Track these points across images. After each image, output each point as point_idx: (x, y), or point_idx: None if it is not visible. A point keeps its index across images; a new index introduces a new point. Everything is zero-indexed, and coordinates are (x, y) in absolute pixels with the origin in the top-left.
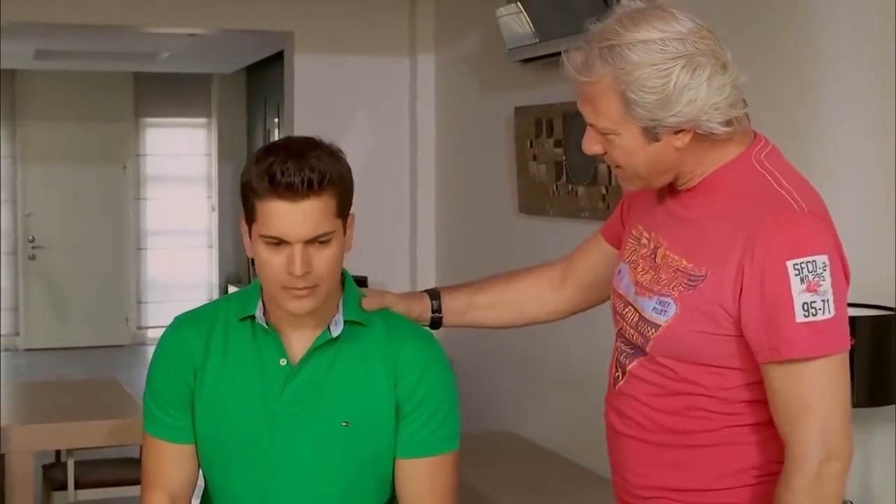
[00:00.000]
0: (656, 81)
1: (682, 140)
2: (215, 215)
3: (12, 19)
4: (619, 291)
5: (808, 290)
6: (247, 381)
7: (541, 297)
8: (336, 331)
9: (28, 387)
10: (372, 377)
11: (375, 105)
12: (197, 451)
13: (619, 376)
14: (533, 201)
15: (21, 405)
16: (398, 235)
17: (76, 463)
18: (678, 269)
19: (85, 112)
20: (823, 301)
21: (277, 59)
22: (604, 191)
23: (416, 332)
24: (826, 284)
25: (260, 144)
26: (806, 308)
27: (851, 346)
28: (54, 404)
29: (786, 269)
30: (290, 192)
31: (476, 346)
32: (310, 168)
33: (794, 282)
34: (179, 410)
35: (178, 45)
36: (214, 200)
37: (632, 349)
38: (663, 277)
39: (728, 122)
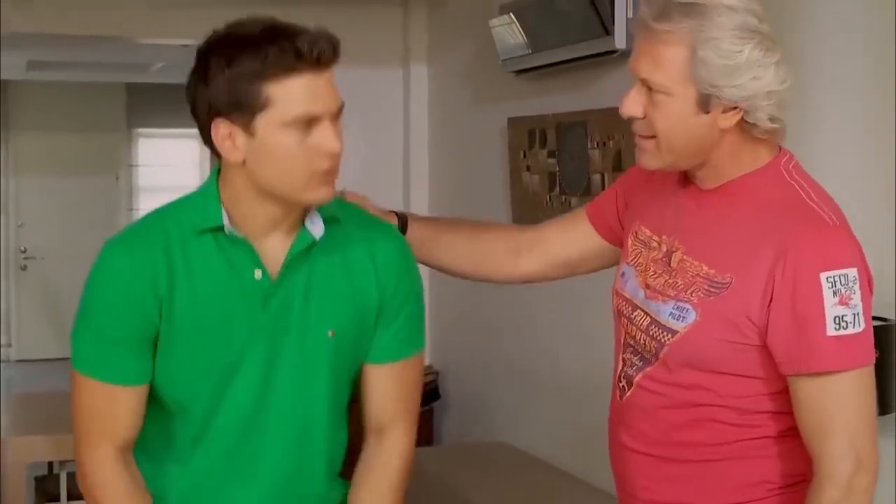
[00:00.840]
0: (731, 47)
1: (730, 121)
2: None
3: (4, 30)
4: (625, 295)
5: (841, 303)
6: (223, 303)
7: (502, 260)
8: (317, 231)
9: (23, 398)
10: (356, 281)
11: (369, 115)
12: (151, 392)
13: (624, 387)
14: (526, 212)
15: (16, 416)
16: None
17: (69, 475)
18: (698, 274)
19: (77, 122)
20: (854, 315)
21: None
22: None
23: (387, 228)
24: (857, 298)
25: None
26: (837, 321)
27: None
28: (49, 415)
29: (819, 281)
30: (319, 63)
31: (471, 356)
32: (327, 37)
33: (827, 294)
34: (139, 350)
35: (170, 56)
36: None
37: (640, 360)
38: (680, 282)
39: (773, 120)
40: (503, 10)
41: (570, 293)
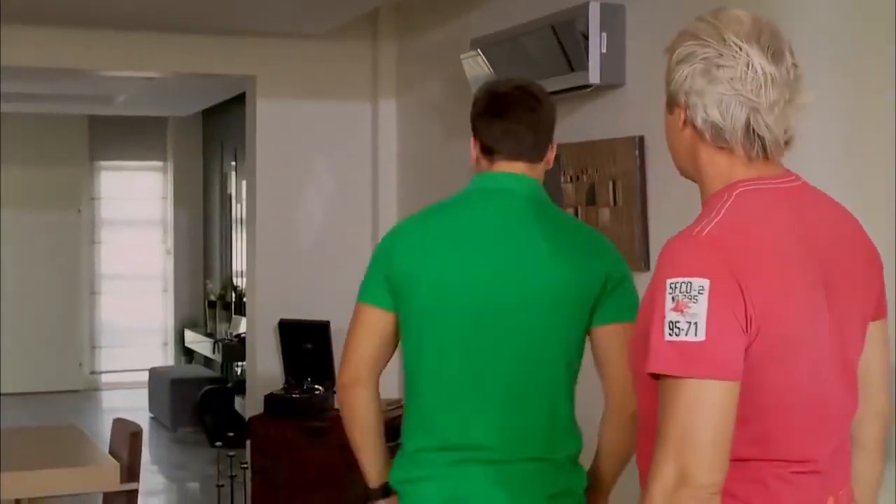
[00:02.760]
0: (676, 51)
1: (679, 118)
2: (171, 259)
3: None
4: None
5: (675, 309)
6: None
7: None
8: None
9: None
10: None
11: (337, 149)
12: None
13: None
14: None
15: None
16: (359, 279)
17: None
18: None
19: (39, 155)
20: (689, 323)
21: (234, 102)
22: None
23: None
24: (696, 308)
25: (216, 188)
26: (671, 327)
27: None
28: (14, 452)
29: (665, 286)
30: None
31: None
32: None
33: (668, 300)
34: None
35: (134, 88)
36: (170, 244)
37: None
38: None
39: (716, 133)
40: (474, 45)
41: None
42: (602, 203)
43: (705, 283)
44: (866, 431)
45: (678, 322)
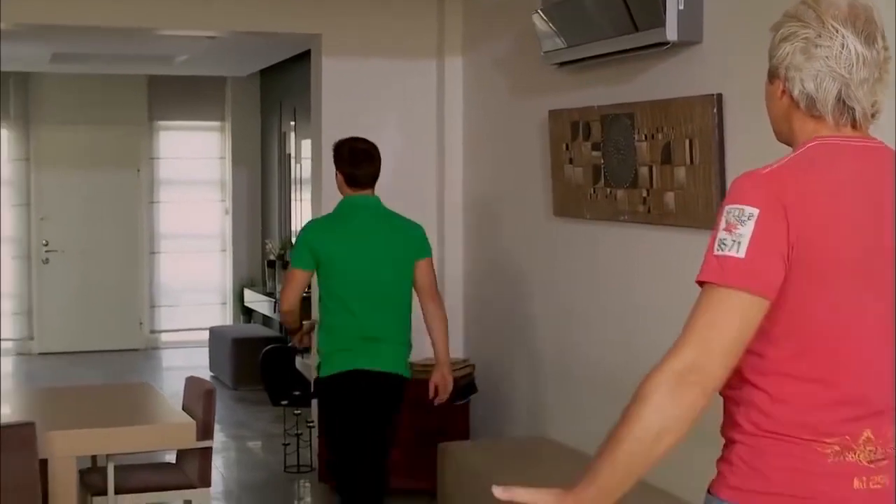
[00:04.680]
0: (780, 31)
1: (778, 88)
2: (229, 219)
3: (30, 22)
4: None
5: (726, 229)
6: None
7: None
8: None
9: (60, 392)
10: None
11: (403, 108)
12: None
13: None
14: (569, 205)
15: (57, 410)
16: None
17: (116, 468)
18: None
19: (99, 115)
20: (734, 241)
21: (293, 61)
22: (644, 193)
23: None
24: (743, 230)
25: (275, 148)
26: (720, 244)
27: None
28: (91, 409)
29: (723, 211)
30: None
31: (508, 350)
32: None
33: (721, 222)
34: None
35: (195, 48)
36: (228, 204)
37: None
38: None
39: (810, 104)
40: (546, 2)
41: (604, 288)
42: (678, 162)
43: (755, 211)
44: None
45: (725, 240)
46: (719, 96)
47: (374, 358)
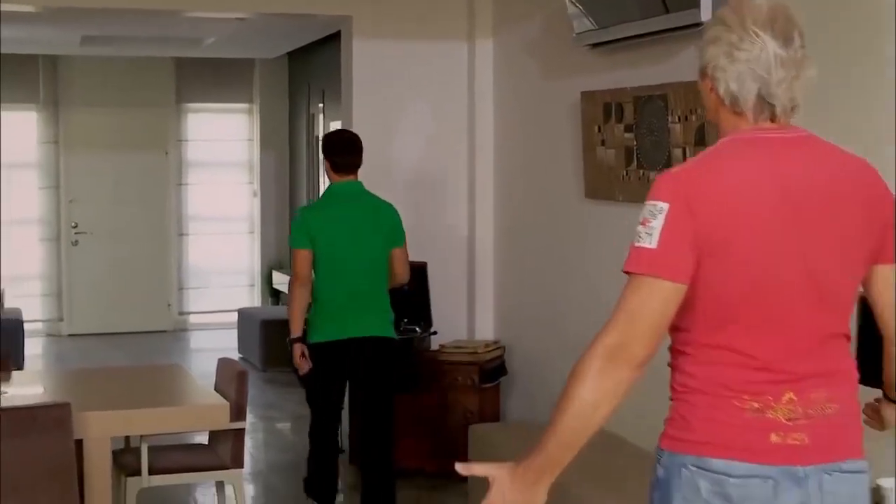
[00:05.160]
0: (707, 33)
1: (707, 85)
2: (257, 201)
3: (59, 5)
4: None
5: (642, 224)
6: None
7: None
8: None
9: (93, 372)
10: None
11: (433, 90)
12: None
13: None
14: (601, 186)
15: (90, 391)
16: (457, 221)
17: (150, 448)
18: None
19: (127, 98)
20: (647, 234)
21: (320, 43)
22: None
23: None
24: (655, 223)
25: (303, 130)
26: (637, 235)
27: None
28: (124, 390)
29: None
30: None
31: (541, 334)
32: None
33: (641, 216)
34: None
35: (223, 30)
36: (256, 186)
37: None
38: None
39: (734, 102)
40: None
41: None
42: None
43: (665, 206)
44: None
45: (641, 232)
46: None
47: (362, 325)
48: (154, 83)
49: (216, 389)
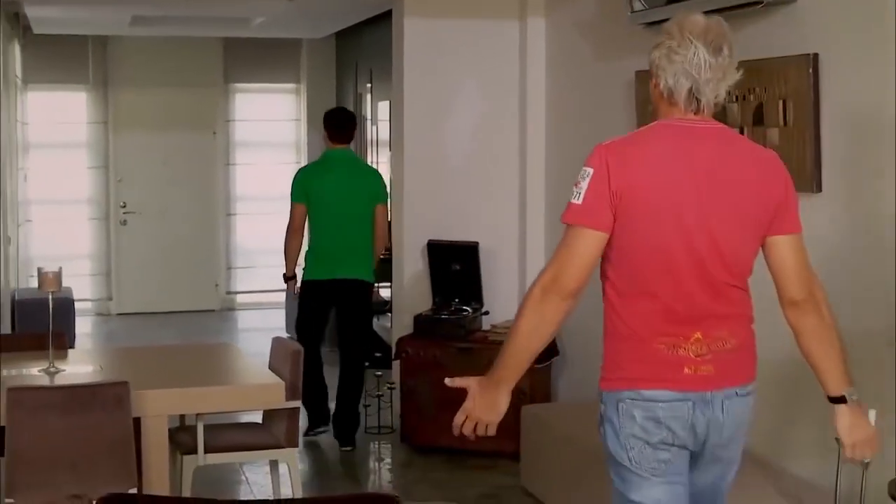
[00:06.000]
0: (655, 40)
1: (653, 82)
2: None
3: None
4: None
5: (574, 185)
6: None
7: None
8: None
9: (145, 351)
10: None
11: (484, 69)
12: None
13: None
14: None
15: (145, 370)
16: (508, 201)
17: (205, 427)
18: None
19: (176, 78)
20: (577, 193)
21: (368, 23)
22: None
23: None
24: (583, 184)
25: (351, 109)
26: (572, 193)
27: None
28: (179, 369)
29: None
30: None
31: (591, 314)
32: None
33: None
34: None
35: (271, 11)
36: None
37: None
38: None
39: (670, 94)
40: None
41: None
42: (771, 123)
43: (590, 170)
44: (790, 315)
45: (573, 191)
46: (815, 56)
47: (346, 269)
48: (202, 63)
49: (270, 368)
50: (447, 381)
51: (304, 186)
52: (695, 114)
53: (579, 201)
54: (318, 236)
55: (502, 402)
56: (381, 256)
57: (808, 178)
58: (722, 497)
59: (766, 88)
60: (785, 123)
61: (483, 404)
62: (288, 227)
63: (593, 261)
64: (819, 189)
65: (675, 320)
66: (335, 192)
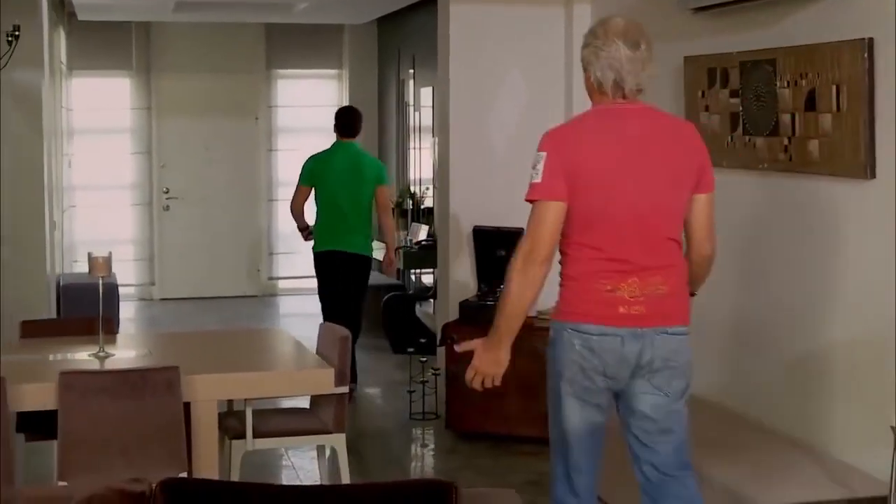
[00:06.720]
0: (584, 40)
1: (585, 74)
2: None
3: None
4: None
5: (532, 166)
6: None
7: None
8: None
9: (192, 336)
10: None
11: (530, 55)
12: None
13: None
14: None
15: (193, 354)
16: None
17: (254, 412)
18: None
19: (218, 64)
20: (535, 172)
21: (410, 9)
22: (786, 141)
23: None
24: (539, 166)
25: (392, 96)
26: (530, 174)
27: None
28: (228, 354)
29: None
30: None
31: None
32: None
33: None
34: None
35: None
36: None
37: None
38: None
39: (600, 85)
40: None
41: (739, 236)
42: (823, 109)
43: (544, 154)
44: (695, 268)
45: (532, 173)
46: (870, 41)
47: (347, 243)
48: (245, 49)
49: (317, 353)
50: (456, 347)
51: (311, 172)
52: (623, 98)
53: (539, 180)
54: (323, 214)
55: (504, 358)
56: (423, 242)
57: (862, 164)
58: (671, 435)
59: (818, 74)
60: (838, 109)
61: (488, 361)
62: (291, 203)
63: (559, 227)
64: (873, 175)
65: (615, 269)
66: (338, 176)
